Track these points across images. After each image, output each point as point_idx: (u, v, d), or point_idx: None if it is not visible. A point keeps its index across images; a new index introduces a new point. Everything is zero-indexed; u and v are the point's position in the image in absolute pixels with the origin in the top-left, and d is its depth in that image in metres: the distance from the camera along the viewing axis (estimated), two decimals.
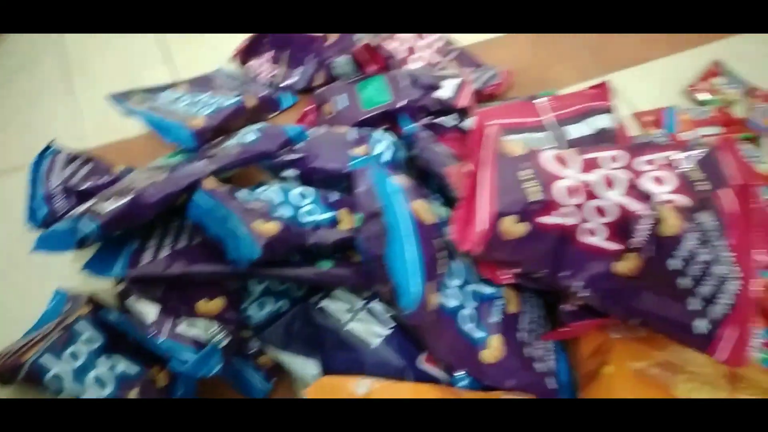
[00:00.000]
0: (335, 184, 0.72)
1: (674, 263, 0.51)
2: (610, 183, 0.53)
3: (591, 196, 0.53)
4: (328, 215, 0.66)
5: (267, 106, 0.93)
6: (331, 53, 0.93)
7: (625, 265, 0.54)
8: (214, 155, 0.70)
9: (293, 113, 0.95)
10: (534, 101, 0.76)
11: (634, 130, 0.96)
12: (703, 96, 1.01)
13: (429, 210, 0.55)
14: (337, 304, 0.62)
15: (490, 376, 0.55)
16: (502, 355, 0.57)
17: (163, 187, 0.62)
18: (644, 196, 0.53)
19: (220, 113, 0.81)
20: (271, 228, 0.59)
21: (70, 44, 1.11)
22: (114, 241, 0.62)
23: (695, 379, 0.54)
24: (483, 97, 0.94)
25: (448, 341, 0.56)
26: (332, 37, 0.94)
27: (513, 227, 0.51)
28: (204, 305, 0.62)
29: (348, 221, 0.66)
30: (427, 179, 0.71)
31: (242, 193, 0.64)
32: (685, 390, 0.54)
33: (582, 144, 0.70)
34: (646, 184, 0.61)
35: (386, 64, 0.93)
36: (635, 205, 0.53)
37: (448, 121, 0.84)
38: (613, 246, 0.54)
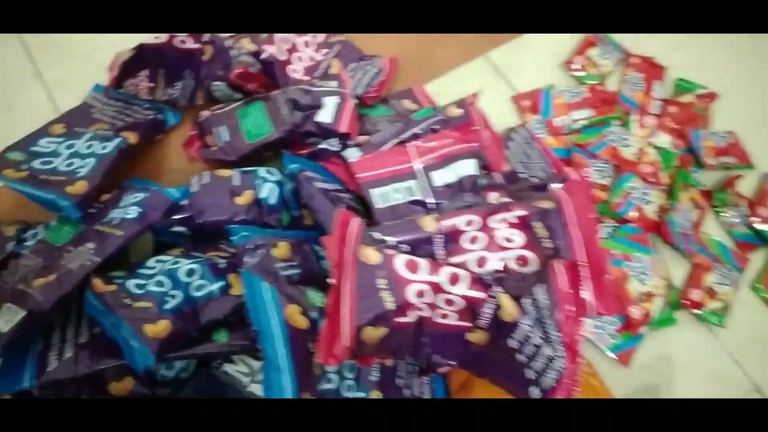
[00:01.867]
0: (225, 234, 0.75)
1: (512, 343, 0.60)
2: (455, 280, 0.60)
3: (440, 291, 0.60)
4: (218, 285, 0.71)
5: (152, 130, 0.92)
6: (210, 69, 0.91)
7: (476, 337, 0.63)
8: (100, 234, 0.72)
9: (179, 133, 0.95)
10: (406, 144, 0.79)
11: (512, 116, 1.00)
12: (578, 72, 1.04)
13: (301, 313, 0.62)
14: (238, 366, 0.70)
15: None
16: None
17: (55, 292, 0.65)
18: (486, 285, 0.61)
19: (101, 166, 0.80)
20: (162, 328, 0.64)
21: None
22: (16, 349, 0.66)
23: None
24: (369, 99, 0.96)
25: None
26: (209, 52, 0.92)
27: (373, 332, 0.58)
28: (115, 386, 0.68)
29: (238, 285, 0.71)
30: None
31: (131, 285, 0.68)
32: None
33: (446, 191, 0.75)
34: (500, 240, 0.68)
35: (264, 81, 0.92)
36: (478, 294, 0.61)
37: (333, 142, 0.86)
38: (464, 323, 0.62)
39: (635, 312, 0.84)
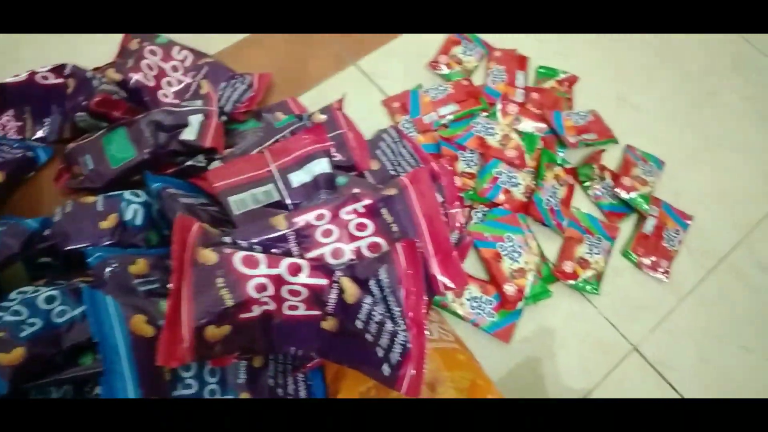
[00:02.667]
0: None
1: (359, 323, 0.62)
2: (295, 270, 0.62)
3: (282, 283, 0.62)
4: (80, 309, 0.70)
5: (22, 168, 0.92)
6: (73, 101, 0.92)
7: (329, 324, 0.64)
8: None
9: (52, 169, 0.94)
10: (263, 151, 0.81)
11: (384, 119, 1.04)
12: (444, 70, 1.08)
13: (147, 322, 0.62)
14: None
15: None
16: None
17: None
18: (328, 272, 0.62)
19: None
20: (15, 356, 0.63)
21: None
22: None
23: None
24: (239, 115, 0.97)
25: None
26: (72, 85, 0.92)
27: (217, 331, 0.59)
28: None
29: None
30: None
31: None
32: None
33: (303, 191, 0.77)
34: (352, 230, 0.70)
35: (130, 108, 0.93)
36: (321, 281, 0.62)
37: (200, 159, 0.88)
38: (314, 312, 0.64)
39: (509, 289, 0.87)
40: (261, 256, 0.62)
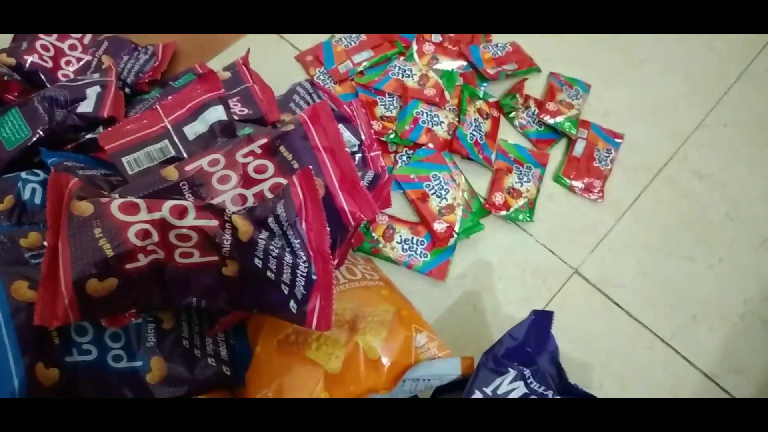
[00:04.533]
0: None
1: (258, 262, 0.58)
2: (180, 212, 0.58)
3: (167, 227, 0.57)
4: None
5: None
6: None
7: (230, 270, 0.60)
8: None
9: None
10: (155, 107, 0.77)
11: (300, 74, 1.00)
12: None
13: (30, 287, 0.57)
14: None
15: (164, 393, 0.61)
16: (166, 371, 0.63)
17: None
18: (218, 211, 0.58)
19: None
20: None
21: None
22: None
23: (321, 340, 0.63)
24: (143, 84, 0.93)
25: (112, 388, 0.60)
26: None
27: (100, 285, 0.55)
28: None
29: None
30: None
31: None
32: (312, 352, 0.63)
33: (200, 142, 0.73)
34: (252, 173, 0.66)
35: (25, 89, 0.88)
36: (210, 222, 0.58)
37: (100, 131, 0.83)
38: (210, 258, 0.60)
39: (439, 227, 0.84)
40: (140, 201, 0.57)
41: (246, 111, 0.83)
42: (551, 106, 0.96)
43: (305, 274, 0.57)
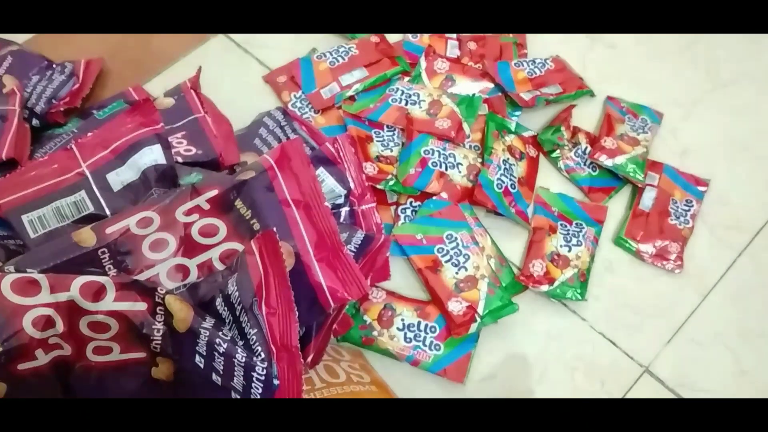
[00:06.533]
0: None
1: (199, 360, 0.58)
2: (97, 293, 0.58)
3: (78, 313, 0.58)
4: None
5: None
6: None
7: (162, 371, 0.60)
8: None
9: None
10: (70, 146, 0.78)
11: (271, 99, 1.02)
12: None
13: None
14: None
15: None
16: None
17: None
18: (146, 290, 0.58)
19: None
20: None
21: None
22: None
23: None
24: (57, 115, 0.95)
25: None
26: None
27: None
28: None
29: None
30: None
31: None
32: None
33: (129, 194, 0.74)
34: (197, 237, 0.67)
35: None
36: (136, 306, 0.58)
37: None
38: (136, 355, 0.59)
39: (456, 307, 0.84)
40: (41, 277, 0.58)
41: (194, 151, 0.85)
42: (609, 142, 0.97)
43: (263, 378, 0.57)
